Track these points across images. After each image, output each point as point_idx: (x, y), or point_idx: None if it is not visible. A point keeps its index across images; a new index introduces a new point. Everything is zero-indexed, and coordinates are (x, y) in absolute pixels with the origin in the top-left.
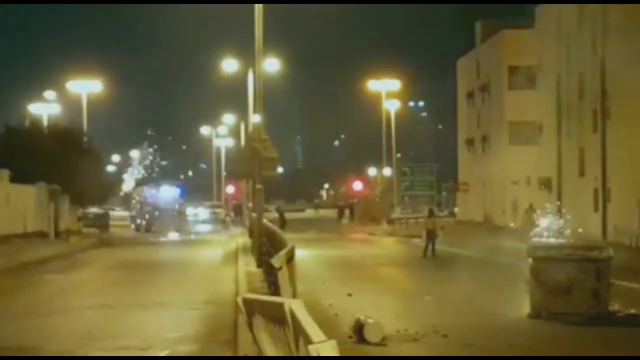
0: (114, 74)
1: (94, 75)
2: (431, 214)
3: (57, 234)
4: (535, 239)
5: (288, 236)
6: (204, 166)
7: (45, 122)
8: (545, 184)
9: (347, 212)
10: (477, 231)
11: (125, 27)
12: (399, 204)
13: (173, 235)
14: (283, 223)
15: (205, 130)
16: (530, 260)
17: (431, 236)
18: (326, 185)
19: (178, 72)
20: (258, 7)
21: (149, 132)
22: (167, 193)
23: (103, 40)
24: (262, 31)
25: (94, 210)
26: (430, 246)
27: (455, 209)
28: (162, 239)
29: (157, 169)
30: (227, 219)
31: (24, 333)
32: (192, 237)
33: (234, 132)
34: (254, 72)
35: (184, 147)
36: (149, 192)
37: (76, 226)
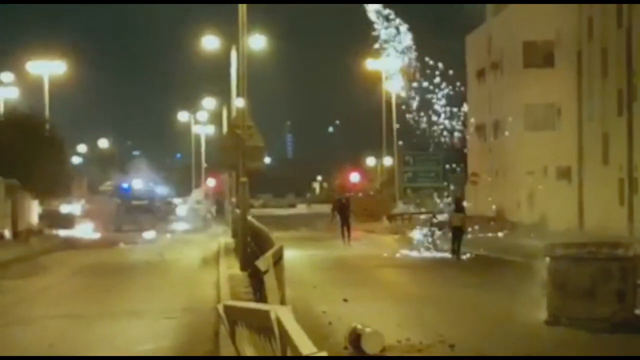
0: (80, 55)
1: (57, 56)
2: (458, 207)
3: (16, 234)
4: None
5: (276, 235)
6: (179, 156)
7: (1, 108)
8: (564, 173)
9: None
10: (488, 227)
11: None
12: (401, 197)
13: (147, 235)
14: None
15: (182, 116)
16: (547, 259)
17: (458, 234)
18: (319, 178)
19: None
20: None
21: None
22: (140, 187)
23: (68, 16)
24: (247, 5)
25: (57, 207)
26: (456, 244)
27: (465, 203)
28: (135, 238)
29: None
30: (208, 216)
31: None
32: (169, 236)
33: (216, 119)
34: (237, 50)
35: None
36: (118, 186)
37: (37, 226)
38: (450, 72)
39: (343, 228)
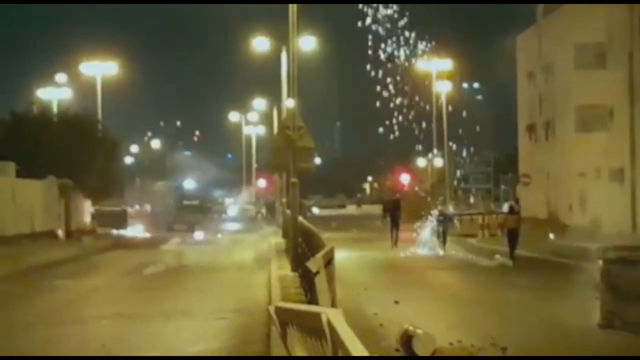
0: (133, 56)
1: (110, 57)
2: (512, 210)
3: (69, 233)
4: None
5: (326, 236)
6: (231, 157)
7: (55, 109)
8: (617, 175)
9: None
10: (540, 229)
11: (145, 6)
12: (452, 198)
13: (198, 235)
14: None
15: (234, 116)
16: (600, 262)
17: (514, 236)
18: (370, 178)
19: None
20: None
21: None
22: (191, 188)
23: (121, 19)
24: (297, 5)
25: (109, 207)
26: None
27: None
28: (186, 238)
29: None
30: (259, 216)
31: (32, 345)
32: (219, 236)
33: (266, 119)
34: (288, 52)
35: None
36: (170, 186)
37: (90, 225)
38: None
39: (392, 229)
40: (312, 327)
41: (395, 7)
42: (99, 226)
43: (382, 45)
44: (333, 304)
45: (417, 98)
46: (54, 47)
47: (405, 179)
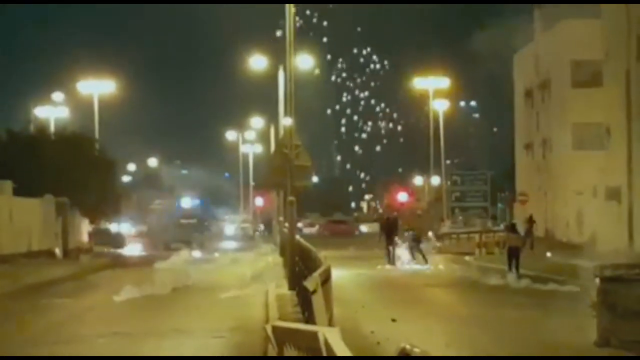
0: (129, 75)
1: (107, 76)
2: (513, 228)
3: (66, 252)
4: None
5: (323, 254)
6: (228, 175)
7: (52, 127)
8: (614, 194)
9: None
10: (537, 248)
11: (142, 24)
12: (449, 217)
13: (195, 254)
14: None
15: (231, 135)
16: (596, 280)
17: (515, 253)
18: (367, 197)
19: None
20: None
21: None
22: (188, 206)
23: (118, 37)
24: (294, 25)
25: (107, 225)
26: (514, 264)
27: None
28: (182, 257)
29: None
30: (256, 234)
31: None
32: (217, 255)
33: (263, 138)
34: (285, 70)
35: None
36: (167, 205)
37: (87, 244)
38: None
39: (389, 247)
40: (309, 346)
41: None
42: (96, 245)
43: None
44: (330, 323)
45: (413, 117)
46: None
47: (402, 197)
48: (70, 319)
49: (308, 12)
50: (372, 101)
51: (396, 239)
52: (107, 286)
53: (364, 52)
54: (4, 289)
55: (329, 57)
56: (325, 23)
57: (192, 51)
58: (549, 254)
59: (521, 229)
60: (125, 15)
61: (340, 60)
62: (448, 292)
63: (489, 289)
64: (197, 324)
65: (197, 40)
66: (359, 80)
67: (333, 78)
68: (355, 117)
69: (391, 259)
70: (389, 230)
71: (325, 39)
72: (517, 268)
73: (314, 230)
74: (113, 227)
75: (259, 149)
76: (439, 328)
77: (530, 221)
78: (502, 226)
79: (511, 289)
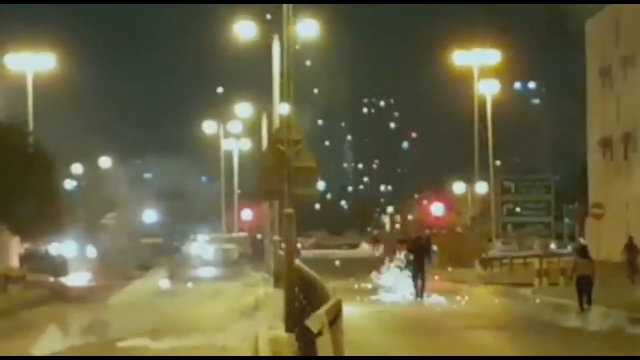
0: (75, 47)
1: (45, 48)
2: (584, 252)
3: None
4: None
5: (332, 285)
6: (205, 180)
7: None
8: None
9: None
10: (617, 276)
11: None
12: (499, 236)
13: (161, 284)
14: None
15: (209, 127)
16: None
17: (587, 285)
18: (390, 209)
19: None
20: None
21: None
22: (153, 221)
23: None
24: None
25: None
26: (585, 299)
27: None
28: (144, 288)
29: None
30: (242, 259)
31: None
32: (190, 285)
33: (253, 131)
34: (282, 41)
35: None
36: (124, 220)
37: (18, 270)
38: None
39: (417, 276)
40: None
41: None
42: (30, 272)
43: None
44: None
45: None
46: None
47: (437, 210)
48: None
49: None
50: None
51: (426, 264)
52: (45, 326)
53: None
54: None
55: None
56: None
57: (160, 17)
58: (635, 286)
59: (593, 252)
60: None
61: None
62: (498, 337)
63: (556, 333)
64: None
65: (165, 3)
66: None
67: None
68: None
69: (419, 291)
70: (419, 253)
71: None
72: (589, 303)
73: (318, 253)
74: (52, 249)
75: (246, 145)
76: None
77: (632, 247)
78: (570, 249)
79: (587, 332)
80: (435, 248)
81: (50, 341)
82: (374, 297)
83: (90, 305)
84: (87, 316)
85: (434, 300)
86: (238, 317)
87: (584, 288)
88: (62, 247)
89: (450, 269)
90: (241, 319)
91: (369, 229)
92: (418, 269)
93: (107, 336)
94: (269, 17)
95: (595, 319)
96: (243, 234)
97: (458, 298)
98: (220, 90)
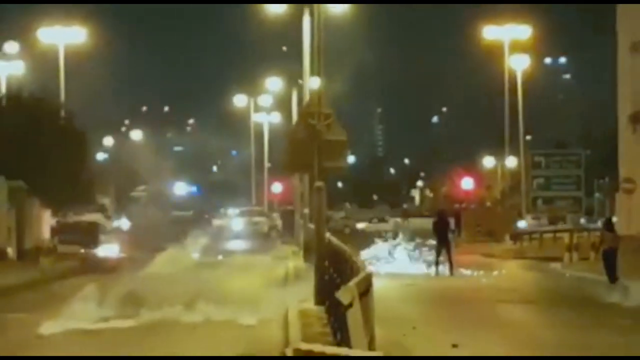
0: (105, 20)
1: (76, 21)
2: (608, 225)
3: (21, 253)
4: None
5: (362, 257)
6: (235, 153)
7: (3, 88)
8: None
9: (451, 222)
10: None
11: None
12: (529, 210)
13: (193, 256)
14: None
15: (240, 100)
16: None
17: (609, 258)
18: (420, 183)
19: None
20: None
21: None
22: (183, 194)
23: None
24: None
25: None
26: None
27: (614, 219)
28: (174, 261)
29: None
30: (272, 232)
31: None
32: (220, 258)
33: (283, 104)
34: (312, 16)
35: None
36: (155, 192)
37: (49, 242)
38: None
39: (439, 251)
40: None
41: None
42: (60, 244)
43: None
44: (371, 347)
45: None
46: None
47: (467, 184)
48: (29, 341)
49: None
50: None
51: (450, 237)
52: (76, 299)
53: None
54: None
55: None
56: None
57: None
58: None
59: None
60: None
61: None
62: (527, 310)
63: (584, 306)
64: (195, 350)
65: None
66: None
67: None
68: None
69: (449, 267)
70: (445, 227)
71: None
72: (612, 276)
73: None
74: (83, 221)
75: (276, 118)
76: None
77: None
78: (599, 224)
79: (620, 307)
80: (452, 223)
81: (83, 312)
82: (403, 270)
83: (120, 277)
84: (118, 287)
85: (464, 273)
86: (268, 290)
87: (607, 261)
88: (93, 219)
89: (479, 243)
90: (271, 292)
91: (404, 205)
92: (440, 243)
93: (138, 307)
94: None
95: (628, 294)
96: (276, 210)
97: (488, 272)
98: (251, 64)
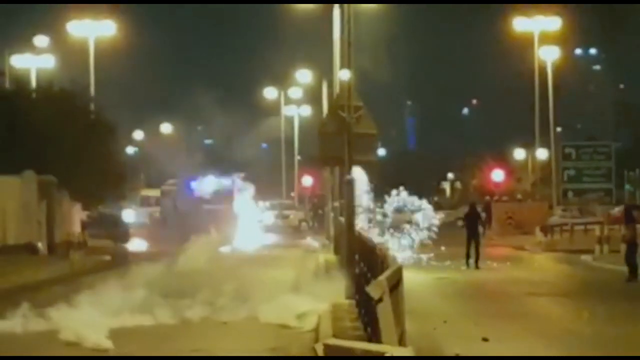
0: (135, 13)
1: (106, 15)
2: (628, 215)
3: (52, 247)
4: None
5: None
6: (266, 146)
7: (33, 82)
8: None
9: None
10: None
11: None
12: (560, 202)
13: (223, 249)
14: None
15: (269, 93)
16: None
17: (630, 248)
18: (450, 175)
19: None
20: None
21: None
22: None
23: None
24: None
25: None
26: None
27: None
28: (205, 254)
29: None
30: (303, 225)
31: None
32: (250, 251)
33: (313, 97)
34: (342, 8)
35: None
36: (187, 186)
37: (79, 236)
38: None
39: (469, 244)
40: None
41: None
42: (91, 238)
43: None
44: (401, 341)
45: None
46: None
47: (497, 176)
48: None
49: None
50: None
51: (479, 229)
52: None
53: None
54: None
55: None
56: None
57: None
58: None
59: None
60: None
61: None
62: (560, 303)
63: (617, 299)
64: (226, 343)
65: None
66: None
67: None
68: None
69: (475, 260)
70: (474, 219)
71: None
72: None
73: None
74: (113, 215)
75: (306, 111)
76: (545, 351)
77: None
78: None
79: None
80: (482, 215)
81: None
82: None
83: (151, 270)
84: (148, 280)
85: (494, 266)
86: (298, 284)
87: (629, 252)
88: (124, 213)
89: (510, 236)
90: (301, 286)
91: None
92: (470, 236)
93: (168, 302)
94: None
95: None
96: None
97: (519, 264)
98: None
